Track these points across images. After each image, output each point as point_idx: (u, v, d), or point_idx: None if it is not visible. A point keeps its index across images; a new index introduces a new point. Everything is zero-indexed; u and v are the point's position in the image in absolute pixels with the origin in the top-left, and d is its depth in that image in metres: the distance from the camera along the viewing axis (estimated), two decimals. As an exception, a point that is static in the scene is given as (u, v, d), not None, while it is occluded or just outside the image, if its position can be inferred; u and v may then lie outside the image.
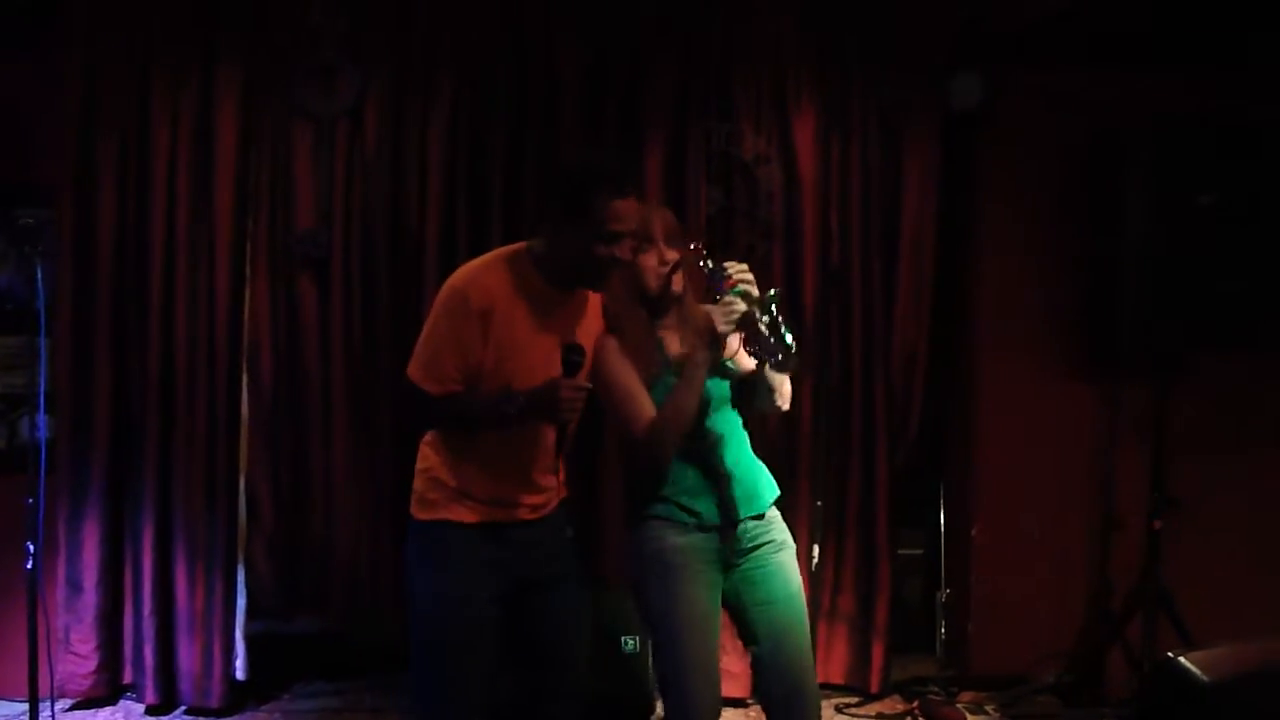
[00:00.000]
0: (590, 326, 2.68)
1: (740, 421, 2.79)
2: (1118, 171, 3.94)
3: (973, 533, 4.29)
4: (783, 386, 2.72)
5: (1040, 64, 4.13)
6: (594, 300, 2.69)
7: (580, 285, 2.61)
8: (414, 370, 2.56)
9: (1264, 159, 3.92)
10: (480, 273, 2.56)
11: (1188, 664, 0.96)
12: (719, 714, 2.69)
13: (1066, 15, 4.01)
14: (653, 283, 2.66)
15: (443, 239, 4.05)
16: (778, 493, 2.79)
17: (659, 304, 2.71)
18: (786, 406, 2.77)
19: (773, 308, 2.56)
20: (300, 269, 4.12)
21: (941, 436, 4.45)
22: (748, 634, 2.74)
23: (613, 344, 2.68)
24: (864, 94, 4.12)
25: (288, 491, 4.17)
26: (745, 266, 2.62)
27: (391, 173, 4.06)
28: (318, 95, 4.06)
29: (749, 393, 2.77)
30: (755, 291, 2.58)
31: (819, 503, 4.04)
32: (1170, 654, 0.99)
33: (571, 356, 2.48)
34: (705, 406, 2.68)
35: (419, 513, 2.65)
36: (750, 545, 2.71)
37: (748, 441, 2.79)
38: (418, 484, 2.67)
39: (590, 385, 2.54)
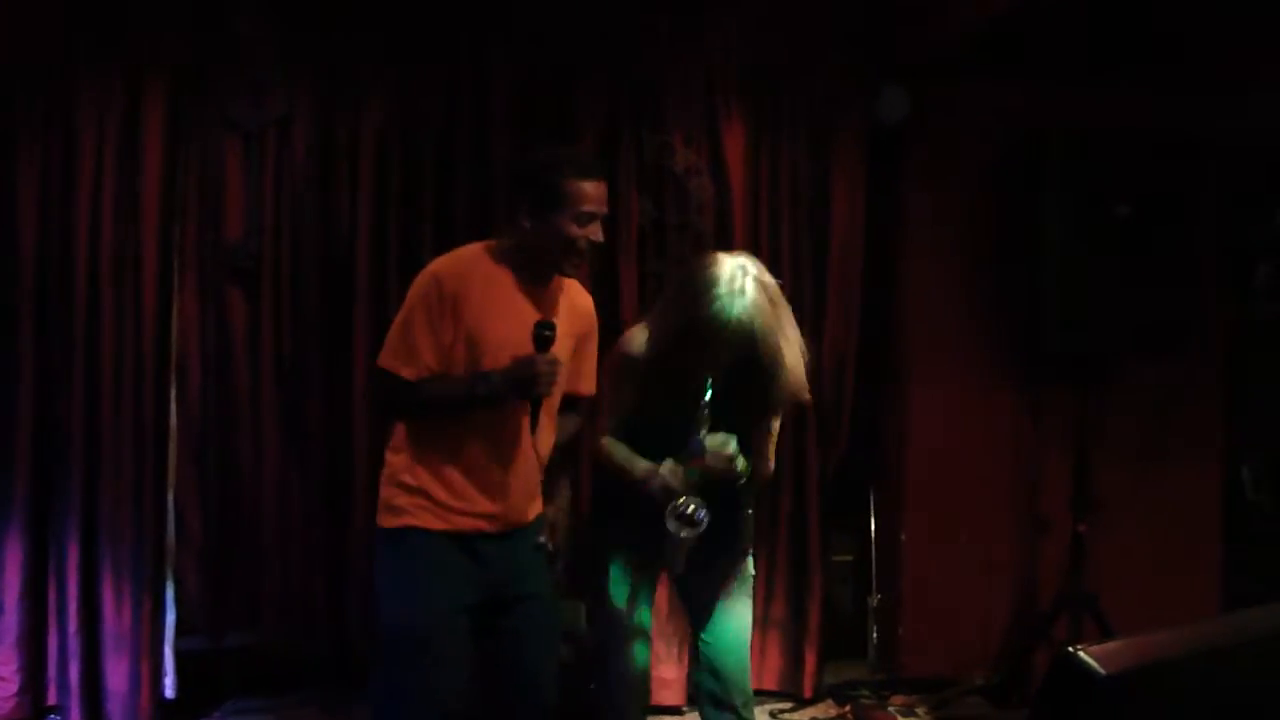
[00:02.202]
0: (562, 319, 2.67)
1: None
2: (1039, 181, 4.04)
3: (903, 538, 4.36)
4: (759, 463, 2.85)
5: (964, 77, 4.21)
6: (567, 295, 2.71)
7: (555, 270, 2.64)
8: (386, 357, 2.58)
9: (1179, 169, 4.04)
10: (453, 261, 2.63)
11: (1086, 657, 0.99)
12: (644, 649, 2.91)
13: (989, 30, 4.10)
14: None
15: (373, 251, 4.03)
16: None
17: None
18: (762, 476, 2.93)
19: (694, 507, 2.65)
20: (229, 281, 4.07)
21: (872, 444, 4.51)
22: (693, 630, 2.95)
23: (620, 356, 2.78)
24: (793, 106, 4.18)
25: (217, 506, 4.11)
26: (728, 454, 2.67)
27: (321, 184, 4.03)
28: (246, 106, 4.02)
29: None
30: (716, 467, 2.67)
31: (750, 511, 4.07)
32: (1069, 649, 1.03)
33: (543, 332, 2.52)
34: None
35: (386, 520, 2.63)
36: (700, 548, 2.78)
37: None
38: (384, 492, 2.65)
39: (560, 361, 2.57)
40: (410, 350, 2.55)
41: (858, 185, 4.21)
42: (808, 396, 2.73)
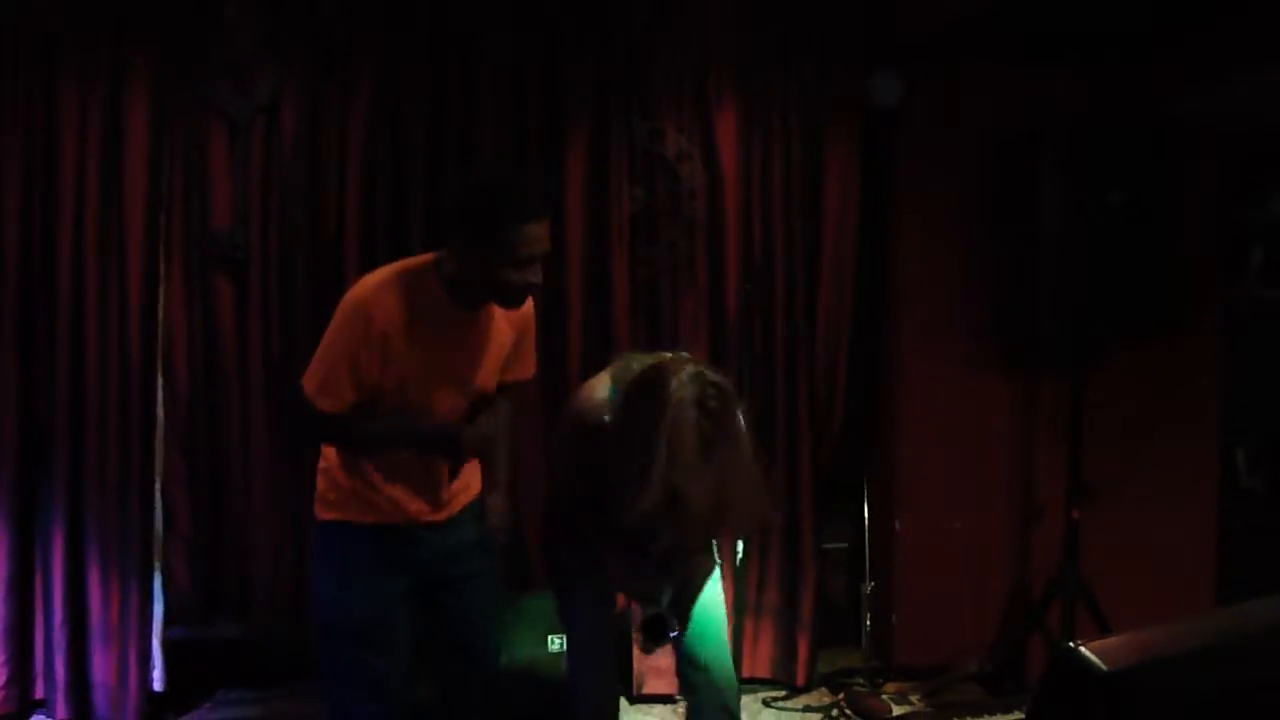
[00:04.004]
0: (497, 332, 2.64)
1: None
2: (1033, 168, 4.00)
3: (896, 525, 4.34)
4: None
5: (958, 62, 4.18)
6: (502, 320, 2.64)
7: (491, 303, 2.55)
8: (309, 384, 2.48)
9: (1172, 156, 4.02)
10: (383, 291, 2.45)
11: (1088, 653, 0.97)
12: (616, 686, 2.85)
13: (985, 14, 4.07)
14: None
15: (362, 239, 3.99)
16: None
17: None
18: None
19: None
20: (216, 269, 4.04)
21: (865, 431, 4.49)
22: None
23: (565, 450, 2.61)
24: (785, 91, 4.14)
25: (205, 496, 4.08)
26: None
27: (309, 171, 3.99)
28: (232, 92, 3.98)
29: None
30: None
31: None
32: (1071, 644, 1.00)
33: (475, 406, 2.53)
34: None
35: (321, 512, 2.63)
36: None
37: None
38: (319, 483, 2.64)
39: (491, 440, 2.54)
40: (332, 384, 2.44)
41: (851, 170, 4.18)
42: (771, 517, 2.65)
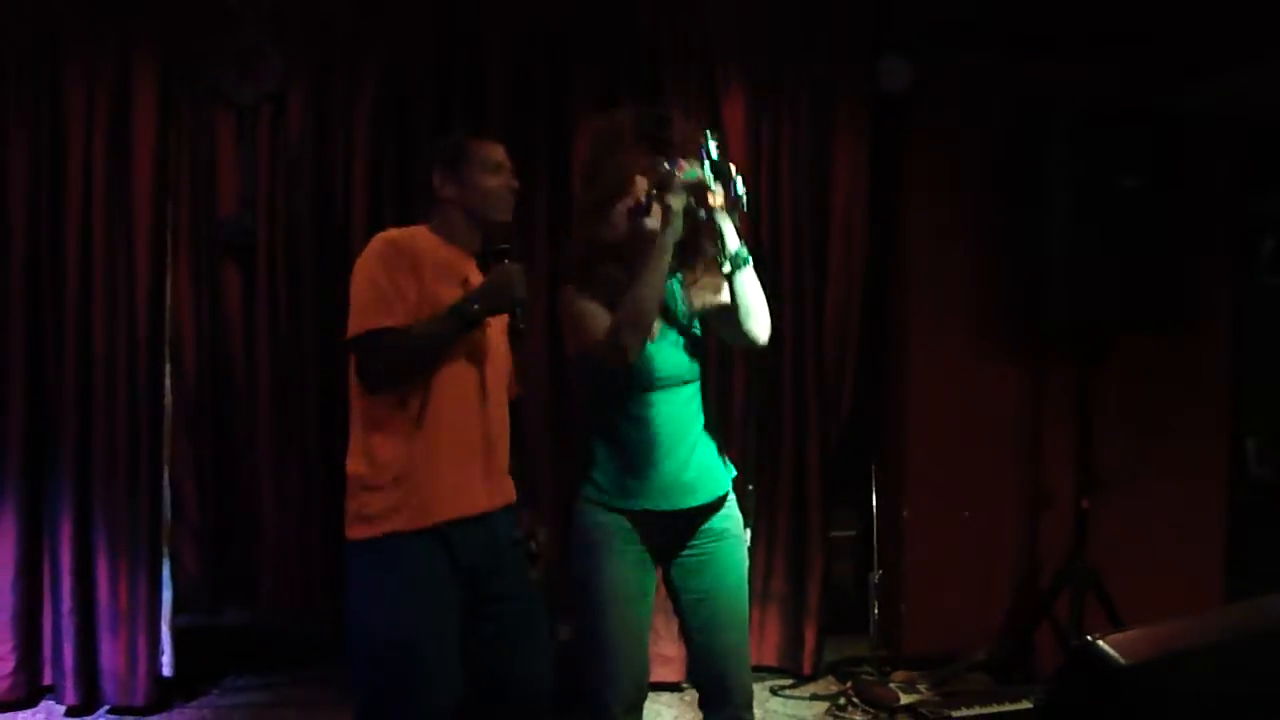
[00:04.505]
0: None
1: (698, 405, 2.68)
2: (1044, 154, 3.98)
3: (904, 514, 4.33)
4: (758, 310, 2.61)
5: (968, 48, 4.16)
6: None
7: (486, 224, 2.69)
8: (364, 320, 2.51)
9: (1185, 144, 3.99)
10: (400, 230, 2.71)
11: (1105, 647, 0.95)
12: (641, 694, 2.63)
13: (993, 2, 4.06)
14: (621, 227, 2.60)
15: (368, 226, 3.95)
16: (727, 487, 2.70)
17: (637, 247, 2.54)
18: (764, 335, 2.65)
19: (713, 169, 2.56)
20: (223, 257, 4.05)
21: (873, 419, 4.48)
22: (683, 623, 2.71)
23: (570, 289, 2.64)
24: (793, 76, 4.12)
25: (213, 483, 4.10)
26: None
27: (316, 159, 3.99)
28: (239, 80, 3.98)
29: (722, 325, 2.69)
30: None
31: (751, 486, 4.06)
32: (1089, 637, 0.99)
33: (499, 250, 2.61)
34: (656, 385, 2.59)
35: (358, 531, 2.54)
36: (688, 534, 2.65)
37: (702, 426, 2.67)
38: (352, 504, 2.56)
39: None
40: (385, 303, 2.51)
41: (860, 156, 4.16)
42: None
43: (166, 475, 3.94)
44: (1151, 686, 0.87)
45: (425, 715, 2.50)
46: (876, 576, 4.28)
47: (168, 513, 3.94)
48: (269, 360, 4.02)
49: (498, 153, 2.74)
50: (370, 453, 2.55)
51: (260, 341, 4.02)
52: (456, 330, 2.53)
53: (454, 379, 2.58)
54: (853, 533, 4.58)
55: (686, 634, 2.72)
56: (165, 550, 3.93)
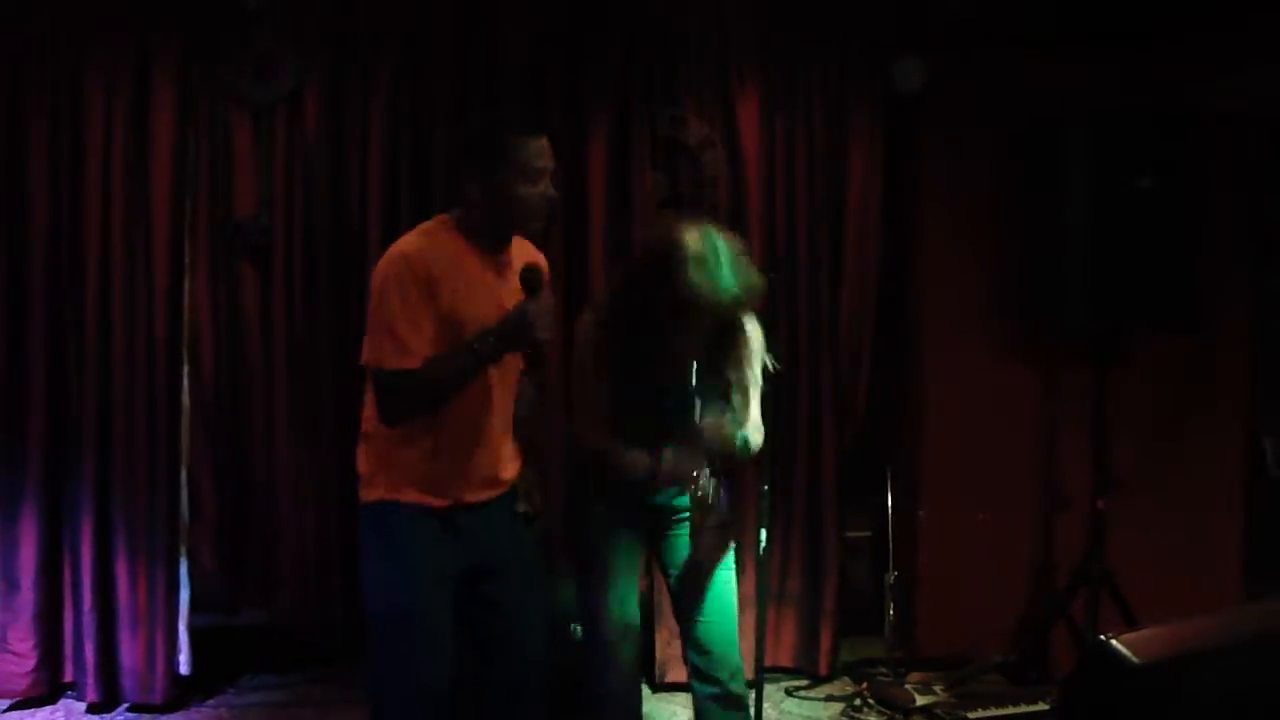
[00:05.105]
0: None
1: (691, 414, 2.79)
2: (1058, 155, 3.97)
3: (920, 515, 4.33)
4: (752, 435, 2.85)
5: (983, 48, 4.15)
6: (521, 257, 2.65)
7: (514, 233, 2.62)
8: (377, 355, 2.49)
9: (1200, 145, 3.97)
10: (418, 242, 2.54)
11: (1119, 646, 0.96)
12: (632, 629, 2.92)
13: (1010, 2, 4.05)
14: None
15: (385, 227, 3.99)
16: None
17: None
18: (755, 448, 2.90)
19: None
20: (241, 257, 4.07)
21: (889, 420, 4.47)
22: (672, 599, 3.02)
23: (586, 328, 2.75)
24: (808, 77, 4.12)
25: (231, 482, 4.11)
26: (726, 433, 2.73)
27: (332, 160, 4.01)
28: (256, 81, 4.00)
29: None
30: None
31: (766, 487, 4.04)
32: (1102, 636, 0.99)
33: (530, 277, 2.49)
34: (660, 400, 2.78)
35: (366, 493, 2.63)
36: (673, 518, 2.90)
37: (685, 426, 2.80)
38: (361, 467, 2.65)
39: (554, 302, 2.56)
40: (400, 341, 2.46)
41: (875, 157, 4.15)
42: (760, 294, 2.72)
43: (184, 475, 3.96)
44: (1165, 686, 0.87)
45: (413, 674, 2.57)
46: (892, 577, 4.28)
47: (185, 512, 3.97)
48: (286, 360, 4.04)
49: (540, 155, 2.51)
50: (375, 433, 2.61)
51: (277, 341, 4.04)
52: (473, 369, 2.51)
53: (477, 309, 2.56)
54: (868, 534, 4.57)
55: (675, 609, 3.00)
56: (183, 550, 3.95)
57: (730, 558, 2.94)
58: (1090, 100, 4.01)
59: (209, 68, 3.94)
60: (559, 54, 4.05)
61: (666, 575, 3.02)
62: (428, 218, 3.89)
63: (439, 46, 4.00)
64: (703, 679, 2.89)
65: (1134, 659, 0.91)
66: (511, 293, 2.57)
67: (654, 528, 2.95)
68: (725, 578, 2.92)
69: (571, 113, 4.05)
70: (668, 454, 2.70)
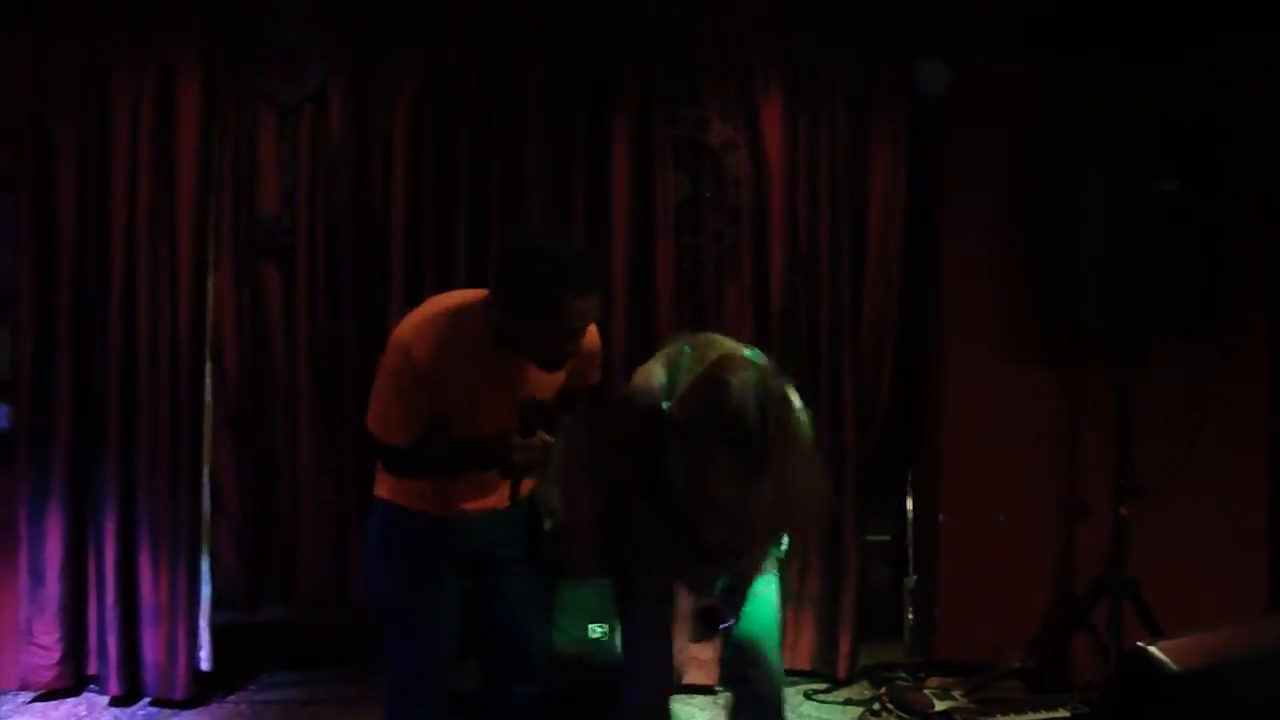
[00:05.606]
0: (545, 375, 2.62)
1: None
2: (1079, 158, 3.95)
3: (940, 519, 4.31)
4: None
5: (1006, 49, 4.13)
6: None
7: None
8: (372, 424, 2.55)
9: (1221, 147, 3.95)
10: (423, 331, 2.49)
11: (1157, 654, 0.95)
12: (668, 691, 2.78)
13: (1030, 5, 4.04)
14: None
15: (408, 226, 4.02)
16: None
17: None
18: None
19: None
20: (264, 257, 4.09)
21: (909, 423, 4.46)
22: None
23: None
24: (831, 80, 4.11)
25: (253, 480, 4.14)
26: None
27: (356, 160, 4.03)
28: (281, 81, 4.02)
29: None
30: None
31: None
32: (1139, 644, 0.99)
33: (529, 417, 2.47)
34: None
35: (379, 489, 2.71)
36: None
37: None
38: (378, 463, 2.71)
39: (548, 439, 2.52)
40: (391, 424, 2.50)
41: (898, 159, 4.14)
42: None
43: (207, 472, 3.99)
44: (1204, 694, 0.87)
45: (413, 663, 2.64)
46: (911, 582, 4.26)
47: (208, 510, 3.99)
48: (309, 358, 4.06)
49: (581, 315, 2.40)
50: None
51: (300, 339, 4.06)
52: (458, 469, 2.58)
53: (481, 409, 2.58)
54: (888, 537, 4.57)
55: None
56: (205, 547, 3.98)
57: (774, 563, 2.82)
58: (1111, 102, 3.99)
59: (234, 67, 3.97)
60: (582, 55, 4.05)
61: None
62: (450, 217, 4.00)
63: (463, 47, 4.01)
64: (740, 684, 2.77)
65: (1174, 667, 0.91)
66: (530, 378, 2.56)
67: None
68: (767, 589, 2.78)
69: (594, 113, 4.06)
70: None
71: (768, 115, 4.10)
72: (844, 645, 4.18)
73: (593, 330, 2.67)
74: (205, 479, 3.98)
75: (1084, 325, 3.99)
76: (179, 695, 3.90)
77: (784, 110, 4.10)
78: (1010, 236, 4.25)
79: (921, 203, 4.29)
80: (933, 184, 4.32)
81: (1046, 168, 4.16)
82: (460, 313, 2.52)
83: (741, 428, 2.18)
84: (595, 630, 3.80)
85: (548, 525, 2.81)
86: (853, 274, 4.15)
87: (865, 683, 4.22)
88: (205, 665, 3.97)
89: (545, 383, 2.62)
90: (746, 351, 2.42)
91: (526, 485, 2.74)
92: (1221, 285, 3.94)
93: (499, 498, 2.70)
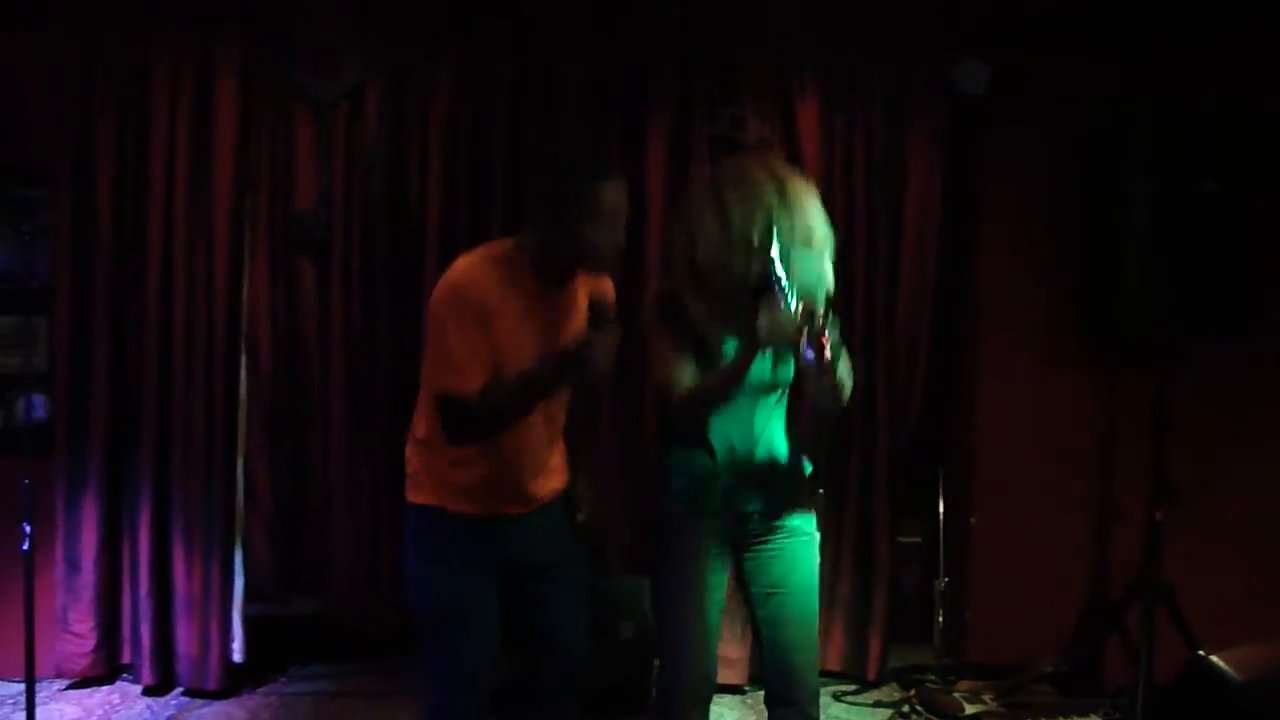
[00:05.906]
0: (580, 309, 2.66)
1: (781, 410, 2.72)
2: (1119, 160, 3.91)
3: (972, 521, 4.29)
4: (843, 382, 2.62)
5: (1046, 49, 4.10)
6: (586, 284, 2.67)
7: (581, 270, 2.62)
8: (436, 379, 2.54)
9: (1264, 149, 3.90)
10: (472, 271, 2.56)
11: (1220, 663, 0.94)
12: (708, 690, 2.72)
13: (1070, 4, 4.00)
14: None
15: (443, 222, 4.03)
16: (801, 486, 2.75)
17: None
18: (842, 403, 2.64)
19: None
20: (300, 251, 4.11)
21: (942, 424, 4.44)
22: (751, 614, 2.77)
23: (654, 322, 2.65)
24: (868, 78, 4.09)
25: (286, 473, 4.17)
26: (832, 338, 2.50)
27: (392, 156, 4.05)
28: (318, 77, 4.05)
29: (807, 382, 2.64)
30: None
31: (820, 490, 4.03)
32: (1201, 652, 0.98)
33: (597, 309, 2.52)
34: (740, 392, 2.63)
35: (412, 495, 2.69)
36: (761, 531, 2.70)
37: (783, 432, 2.72)
38: (410, 468, 2.70)
39: (619, 332, 2.54)
40: (456, 367, 2.49)
41: (934, 159, 4.11)
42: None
43: (241, 466, 4.02)
44: (1268, 703, 0.86)
45: (458, 670, 2.62)
46: (943, 584, 4.24)
47: (241, 503, 4.02)
48: (343, 353, 4.08)
49: (613, 200, 2.53)
50: (424, 444, 2.65)
51: (334, 335, 4.08)
52: (534, 395, 2.55)
53: (525, 351, 2.58)
54: (919, 539, 4.54)
55: (754, 626, 2.78)
56: (238, 539, 4.01)
57: (815, 565, 2.77)
58: (1153, 102, 3.95)
59: (272, 63, 3.99)
60: (619, 54, 4.05)
61: (747, 590, 2.75)
62: (486, 214, 4.01)
63: (500, 45, 4.02)
64: (779, 701, 2.71)
65: (1237, 676, 0.90)
66: (568, 328, 2.61)
67: (743, 539, 2.71)
68: (810, 592, 2.75)
69: (631, 112, 4.06)
70: (762, 319, 2.49)
71: (804, 114, 4.09)
72: (874, 647, 4.17)
73: (608, 286, 2.72)
74: (239, 472, 4.01)
75: (1122, 328, 3.95)
76: (211, 686, 3.94)
77: (821, 110, 4.09)
78: (1048, 238, 4.22)
79: (959, 203, 4.26)
80: (970, 184, 4.29)
81: (1086, 169, 4.12)
82: (501, 254, 2.60)
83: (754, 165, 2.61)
84: (625, 629, 3.79)
85: (581, 517, 2.81)
86: (887, 274, 4.13)
87: (895, 685, 4.21)
88: (238, 657, 4.00)
89: (578, 331, 2.63)
90: None
91: (551, 484, 2.74)
92: (1264, 288, 3.90)
93: (544, 483, 2.69)
